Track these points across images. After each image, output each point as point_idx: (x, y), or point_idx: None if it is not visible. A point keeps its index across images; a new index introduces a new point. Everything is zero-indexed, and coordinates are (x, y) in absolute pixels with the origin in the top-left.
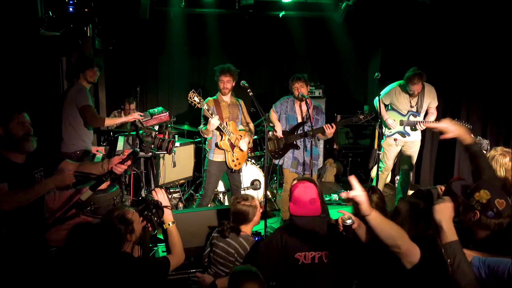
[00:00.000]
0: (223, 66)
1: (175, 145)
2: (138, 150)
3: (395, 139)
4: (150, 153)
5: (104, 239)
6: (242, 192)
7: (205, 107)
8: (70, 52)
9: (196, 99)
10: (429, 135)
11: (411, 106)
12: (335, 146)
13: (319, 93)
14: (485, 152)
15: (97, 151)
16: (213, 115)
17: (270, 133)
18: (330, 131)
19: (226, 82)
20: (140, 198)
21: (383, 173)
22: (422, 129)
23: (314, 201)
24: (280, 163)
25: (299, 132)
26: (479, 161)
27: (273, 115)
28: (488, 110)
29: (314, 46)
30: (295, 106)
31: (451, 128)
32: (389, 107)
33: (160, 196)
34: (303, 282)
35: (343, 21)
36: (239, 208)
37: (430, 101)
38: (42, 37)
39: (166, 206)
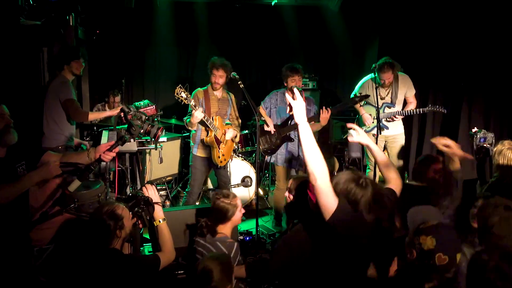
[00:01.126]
0: (216, 60)
1: (162, 140)
2: (126, 135)
3: (374, 134)
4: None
5: (92, 235)
6: (232, 189)
7: (192, 103)
8: (52, 42)
9: (183, 95)
10: (429, 132)
11: (382, 98)
12: (330, 141)
13: (313, 86)
14: (490, 146)
15: (81, 145)
16: (197, 107)
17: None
18: (325, 115)
19: (219, 77)
20: (130, 194)
21: (371, 170)
22: (398, 119)
23: None
24: (272, 161)
25: (292, 123)
26: None
27: (262, 112)
28: (491, 102)
29: (308, 36)
30: (285, 98)
31: (458, 152)
32: (364, 102)
33: (151, 192)
34: None
35: (339, 9)
36: (218, 204)
37: (406, 90)
38: (22, 26)
39: (156, 203)
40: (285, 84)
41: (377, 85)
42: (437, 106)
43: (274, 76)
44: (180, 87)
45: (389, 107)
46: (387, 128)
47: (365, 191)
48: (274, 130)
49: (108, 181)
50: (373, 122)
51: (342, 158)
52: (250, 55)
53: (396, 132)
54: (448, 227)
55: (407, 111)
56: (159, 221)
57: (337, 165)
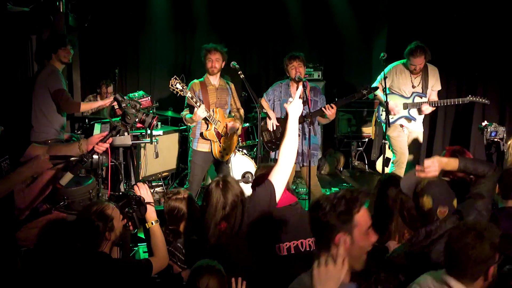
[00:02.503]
0: (209, 45)
1: (158, 134)
2: (120, 125)
3: (401, 125)
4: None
5: (80, 237)
6: None
7: (189, 95)
8: (41, 29)
9: (179, 86)
10: (440, 125)
11: (414, 86)
12: (335, 135)
13: (318, 75)
14: (501, 140)
15: (72, 138)
16: (198, 103)
17: (263, 122)
18: (330, 112)
19: (215, 61)
20: (120, 193)
21: (399, 167)
22: (426, 113)
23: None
24: (276, 156)
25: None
26: (476, 171)
27: (265, 104)
28: (506, 94)
29: (313, 22)
30: (290, 90)
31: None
32: (388, 91)
33: (143, 191)
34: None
35: None
36: (172, 204)
37: (434, 83)
38: (9, 13)
39: (149, 203)
40: (288, 75)
41: (408, 71)
42: (479, 97)
43: (277, 65)
44: (175, 78)
45: (420, 97)
46: (414, 119)
47: None
48: (277, 124)
49: (100, 177)
50: (398, 112)
51: (348, 153)
52: (251, 43)
53: (418, 129)
54: (438, 181)
55: (442, 101)
56: (152, 223)
57: (342, 161)
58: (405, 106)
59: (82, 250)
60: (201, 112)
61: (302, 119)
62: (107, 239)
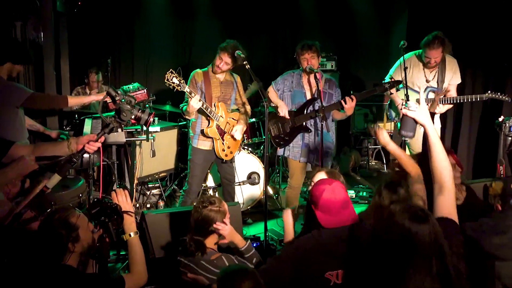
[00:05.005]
0: (231, 43)
1: (155, 130)
2: (115, 122)
3: (415, 121)
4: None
5: (40, 247)
6: (237, 187)
7: (187, 90)
8: (26, 15)
9: (175, 80)
10: (466, 122)
11: (427, 81)
12: (350, 132)
13: (332, 66)
14: None
15: (60, 136)
16: (193, 94)
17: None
18: (350, 105)
19: (224, 63)
20: (95, 199)
21: None
22: (441, 112)
23: (347, 204)
24: (286, 154)
25: (309, 111)
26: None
27: (273, 94)
28: None
29: (326, 7)
30: (302, 81)
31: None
32: (401, 85)
33: (121, 199)
34: None
35: None
36: (206, 214)
37: (452, 76)
38: None
39: (127, 212)
40: (300, 65)
41: (422, 63)
42: (499, 93)
43: (286, 55)
44: (171, 72)
45: (434, 92)
46: None
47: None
48: (288, 117)
49: (91, 178)
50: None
51: (365, 151)
52: (258, 31)
53: (435, 126)
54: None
55: (458, 98)
56: (130, 235)
57: (358, 160)
58: (418, 102)
59: (43, 261)
60: (195, 102)
61: (314, 114)
62: (70, 250)
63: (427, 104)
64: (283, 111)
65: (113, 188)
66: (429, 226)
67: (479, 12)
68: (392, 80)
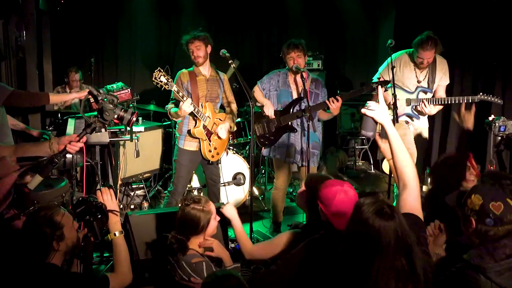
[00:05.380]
0: (187, 35)
1: (139, 130)
2: (97, 122)
3: (406, 122)
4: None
5: (24, 245)
6: (222, 188)
7: (175, 89)
8: (9, 14)
9: (163, 79)
10: (454, 122)
11: (419, 81)
12: (337, 132)
13: (318, 65)
14: (510, 134)
15: (43, 136)
16: (185, 98)
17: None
18: (335, 105)
19: (196, 50)
20: (80, 198)
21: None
22: (426, 112)
23: None
24: (271, 155)
25: (295, 111)
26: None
27: (258, 93)
28: None
29: (312, 5)
30: (288, 80)
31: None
32: (390, 84)
33: (106, 197)
34: None
35: None
36: (188, 212)
37: (442, 76)
38: None
39: (112, 211)
40: (286, 64)
41: (414, 63)
42: (491, 95)
43: (272, 54)
44: (159, 70)
45: (425, 93)
46: (417, 118)
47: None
48: (274, 116)
49: (74, 179)
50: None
51: (352, 151)
52: (244, 29)
53: (422, 125)
54: (485, 182)
55: (449, 99)
56: (115, 234)
57: (345, 160)
58: (408, 102)
59: (27, 259)
60: (186, 106)
61: (301, 113)
62: (55, 249)
63: (418, 104)
64: (269, 111)
65: (97, 189)
66: (394, 223)
67: (467, 10)
68: (381, 79)
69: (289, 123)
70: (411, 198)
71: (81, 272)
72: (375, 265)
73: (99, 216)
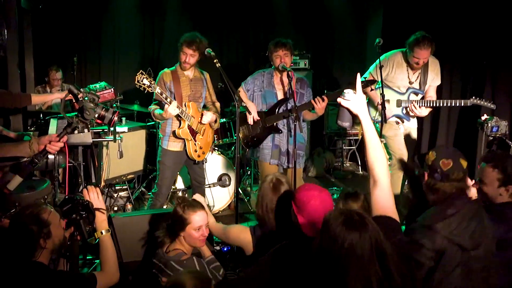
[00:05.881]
0: (190, 36)
1: (123, 130)
2: (77, 121)
3: (397, 122)
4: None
5: (11, 243)
6: (207, 190)
7: (158, 91)
8: None
9: (146, 82)
10: (443, 123)
11: (411, 82)
12: (324, 132)
13: (305, 64)
14: (503, 135)
15: (24, 137)
16: (168, 99)
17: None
18: (320, 105)
19: (190, 56)
20: (66, 197)
21: (397, 171)
22: (417, 114)
23: None
24: (255, 156)
25: (281, 111)
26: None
27: (243, 95)
28: None
29: (299, 4)
30: (273, 80)
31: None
32: (379, 84)
33: (93, 196)
34: None
35: None
36: (176, 212)
37: (434, 77)
38: None
39: (99, 209)
40: (272, 63)
41: (407, 63)
42: (484, 100)
43: (258, 53)
44: (142, 73)
45: (416, 94)
46: (408, 120)
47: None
48: (258, 118)
49: (57, 180)
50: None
51: (339, 152)
52: (229, 28)
53: (412, 125)
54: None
55: (441, 101)
56: (101, 233)
57: (332, 162)
58: (399, 103)
59: (13, 257)
60: (172, 109)
61: (287, 114)
62: (42, 247)
63: (407, 106)
64: (250, 117)
65: (79, 190)
66: (366, 231)
67: (456, 9)
68: (371, 78)
69: (274, 124)
70: (383, 197)
71: (68, 270)
72: (350, 276)
73: (86, 214)
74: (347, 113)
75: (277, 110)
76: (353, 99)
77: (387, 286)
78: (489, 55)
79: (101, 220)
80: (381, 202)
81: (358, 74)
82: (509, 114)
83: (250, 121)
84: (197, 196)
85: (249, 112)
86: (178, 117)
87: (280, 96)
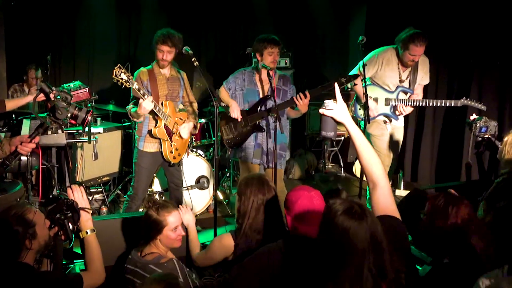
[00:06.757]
0: (163, 33)
1: (98, 131)
2: (49, 121)
3: (384, 121)
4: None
5: None
6: (185, 192)
7: (135, 86)
8: None
9: (124, 76)
10: (428, 123)
11: (401, 81)
12: (306, 133)
13: (286, 63)
14: (491, 136)
15: None
16: (146, 96)
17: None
18: (302, 102)
19: (167, 53)
20: (51, 196)
21: None
22: (403, 113)
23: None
24: (238, 156)
25: (263, 109)
26: None
27: (224, 94)
28: (507, 84)
29: (280, 1)
30: (254, 78)
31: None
32: (368, 81)
33: (77, 195)
34: None
35: None
36: (146, 214)
37: (423, 75)
38: None
39: (84, 209)
40: (259, 59)
41: (399, 61)
42: (474, 101)
43: (237, 51)
44: (120, 67)
45: (405, 93)
46: (396, 119)
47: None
48: (241, 117)
49: (30, 182)
50: (377, 111)
51: (321, 153)
52: (208, 25)
53: (400, 124)
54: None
55: (430, 101)
56: (86, 232)
57: (314, 163)
58: (387, 102)
59: None
60: (147, 104)
61: (267, 113)
62: (27, 247)
63: (396, 105)
64: (235, 113)
65: (53, 193)
66: (365, 223)
67: (441, 7)
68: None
69: (257, 122)
70: (383, 197)
71: (54, 271)
72: (345, 267)
73: (71, 214)
74: (330, 122)
75: (259, 108)
76: (335, 108)
77: (378, 279)
78: (476, 54)
79: (86, 219)
80: (381, 203)
81: (336, 84)
82: (496, 113)
83: (234, 115)
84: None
85: (232, 112)
86: (154, 116)
87: (262, 94)
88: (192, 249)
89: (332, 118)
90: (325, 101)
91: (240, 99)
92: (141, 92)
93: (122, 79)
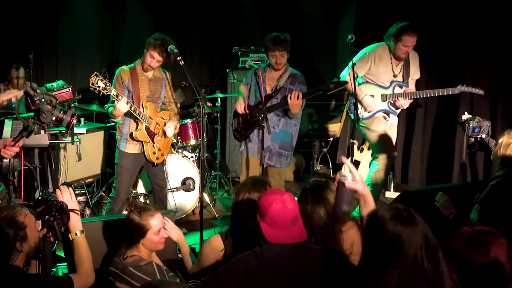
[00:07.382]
0: (159, 39)
1: (81, 132)
2: (34, 124)
3: (384, 117)
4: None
5: None
6: (170, 194)
7: (114, 93)
8: None
9: (101, 84)
10: (419, 123)
11: (395, 75)
12: None
13: None
14: (485, 136)
15: None
16: (120, 97)
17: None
18: (292, 101)
19: (156, 61)
20: (39, 197)
21: (383, 170)
22: (404, 107)
23: (297, 219)
24: (241, 150)
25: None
26: None
27: (242, 89)
28: (499, 83)
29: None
30: (265, 75)
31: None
32: (361, 80)
33: (66, 196)
34: None
35: None
36: (127, 218)
37: (415, 70)
38: None
39: (73, 210)
40: (268, 59)
41: (391, 56)
42: (470, 86)
43: (223, 50)
44: (96, 74)
45: (401, 87)
46: (395, 113)
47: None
48: (247, 111)
49: (12, 184)
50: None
51: (310, 155)
52: (193, 23)
53: (391, 121)
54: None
55: (426, 92)
56: (76, 234)
57: (302, 164)
58: (384, 98)
59: None
60: (121, 105)
61: (257, 113)
62: (18, 250)
63: (394, 100)
64: (239, 107)
65: (35, 195)
66: (417, 228)
67: (432, 5)
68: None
69: (259, 119)
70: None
71: (45, 274)
72: (397, 273)
73: (60, 215)
74: (349, 195)
75: (258, 105)
76: (358, 180)
77: (434, 283)
78: (467, 53)
79: (75, 221)
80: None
81: (343, 157)
82: (488, 113)
83: (239, 109)
84: None
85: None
86: (135, 118)
87: (269, 91)
88: (186, 263)
89: (357, 190)
90: (342, 174)
91: (252, 95)
92: (120, 98)
93: (99, 86)
